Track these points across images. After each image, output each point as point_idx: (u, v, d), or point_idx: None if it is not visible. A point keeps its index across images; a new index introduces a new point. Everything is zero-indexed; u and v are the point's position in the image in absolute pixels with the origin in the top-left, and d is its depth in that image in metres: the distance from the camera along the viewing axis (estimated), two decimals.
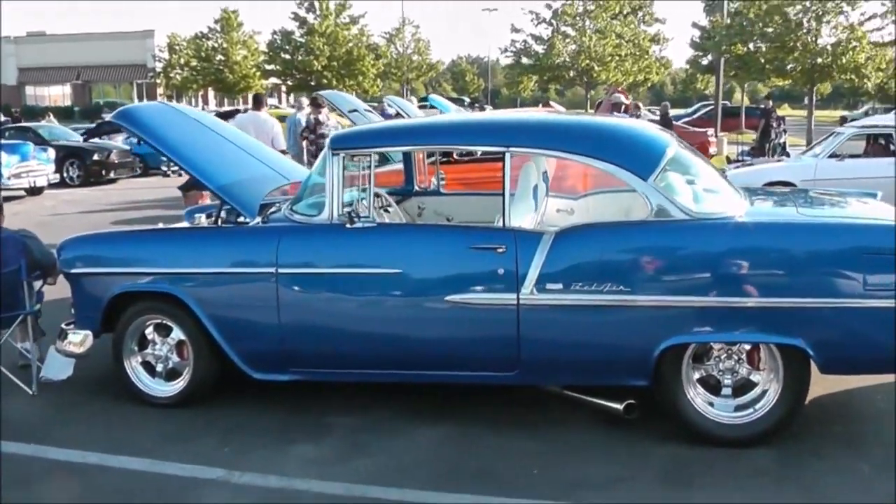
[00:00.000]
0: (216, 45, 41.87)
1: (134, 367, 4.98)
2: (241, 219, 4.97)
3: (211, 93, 47.34)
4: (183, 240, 5.00)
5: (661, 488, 3.90)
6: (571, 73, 40.50)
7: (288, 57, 42.31)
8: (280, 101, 52.26)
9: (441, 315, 4.41)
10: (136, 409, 4.90)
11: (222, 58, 41.48)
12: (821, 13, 23.26)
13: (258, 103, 10.20)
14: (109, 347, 5.02)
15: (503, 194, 4.46)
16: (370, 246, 4.53)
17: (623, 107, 13.26)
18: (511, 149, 4.48)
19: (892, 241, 4.03)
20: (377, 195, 4.99)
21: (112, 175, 18.41)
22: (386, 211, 5.27)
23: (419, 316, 4.48)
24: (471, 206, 6.31)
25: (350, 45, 43.24)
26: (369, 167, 4.76)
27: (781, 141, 19.45)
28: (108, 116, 5.36)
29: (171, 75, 41.97)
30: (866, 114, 47.31)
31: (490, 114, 5.73)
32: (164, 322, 4.89)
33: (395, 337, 4.53)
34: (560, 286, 4.23)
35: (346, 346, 4.59)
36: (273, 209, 5.13)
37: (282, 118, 12.30)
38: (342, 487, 3.93)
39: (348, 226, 4.51)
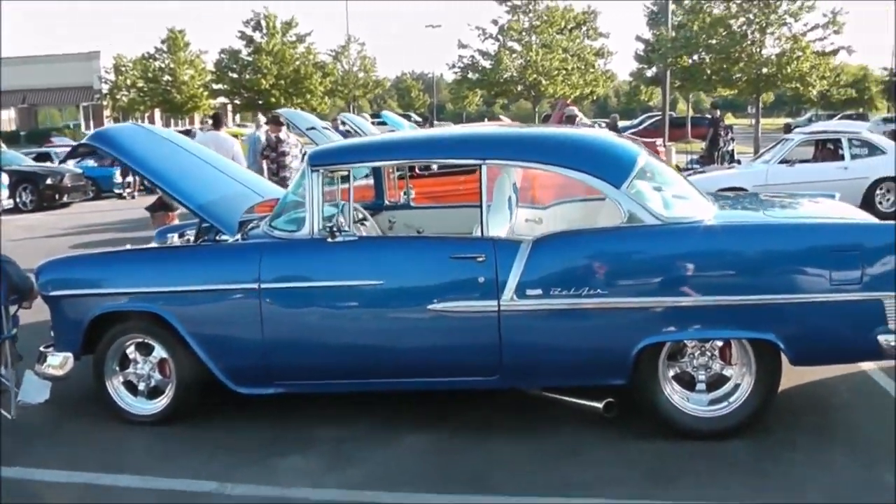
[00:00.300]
0: (163, 65, 41.42)
1: (116, 386, 4.97)
2: (220, 236, 5.01)
3: (157, 114, 46.77)
4: (164, 259, 5.03)
5: (647, 485, 4.04)
6: (519, 88, 41.02)
7: (235, 76, 42.08)
8: (227, 122, 51.81)
9: (424, 323, 4.50)
10: (119, 428, 4.89)
11: (169, 78, 41.05)
12: (764, 25, 23.98)
13: (218, 122, 10.20)
14: (86, 368, 5.01)
15: (480, 205, 4.58)
16: (352, 259, 4.60)
17: (576, 119, 13.50)
18: (487, 161, 4.61)
19: (856, 239, 4.26)
20: (354, 209, 5.08)
21: (65, 199, 18.10)
22: (363, 224, 5.36)
23: (402, 325, 4.57)
24: (440, 218, 6.44)
25: (297, 63, 43.17)
26: (348, 182, 4.85)
27: (730, 149, 20.01)
28: (84, 139, 5.35)
29: (118, 97, 41.36)
30: (809, 121, 48.75)
31: (463, 128, 5.88)
32: (146, 341, 4.91)
33: (378, 347, 4.60)
34: (539, 292, 4.36)
35: (331, 358, 4.66)
36: (251, 226, 5.18)
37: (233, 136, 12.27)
38: (337, 494, 4.01)
39: (330, 240, 4.59)
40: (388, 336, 4.59)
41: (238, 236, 4.89)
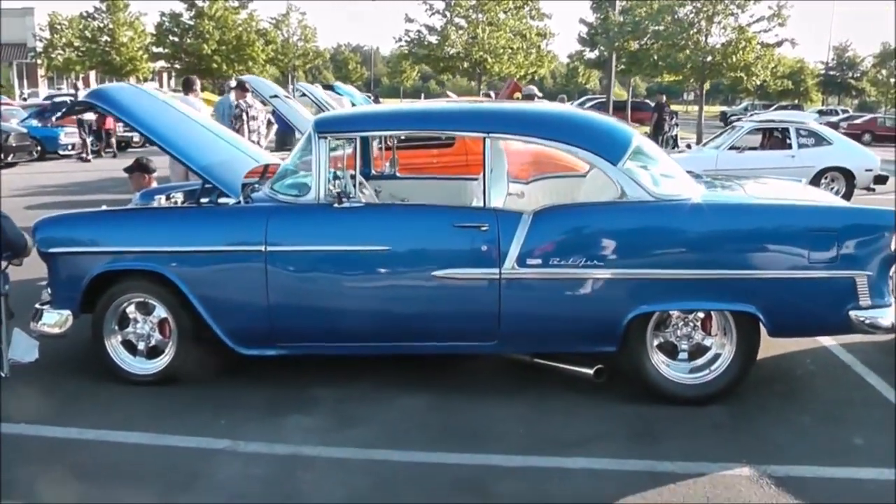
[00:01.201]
0: (101, 25, 40.14)
1: (114, 346, 5.02)
2: (221, 199, 5.08)
3: (93, 75, 45.39)
4: (168, 219, 5.06)
5: (633, 443, 4.31)
6: (465, 64, 41.12)
7: (176, 40, 41.13)
8: (161, 86, 50.68)
9: (427, 289, 4.68)
10: (119, 387, 4.95)
11: (108, 39, 39.83)
12: (711, 14, 24.62)
13: (189, 87, 10.09)
14: (79, 327, 5.05)
15: (483, 177, 4.76)
16: (359, 225, 4.74)
17: (535, 98, 13.74)
18: (491, 135, 4.79)
19: (833, 221, 4.60)
20: (353, 177, 5.20)
21: (11, 158, 17.58)
22: (361, 192, 5.49)
23: (406, 290, 4.74)
24: (424, 189, 6.59)
25: (240, 29, 42.42)
26: (354, 150, 4.97)
27: (674, 134, 20.60)
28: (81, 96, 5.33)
29: (53, 55, 39.98)
30: (746, 110, 50.21)
31: (466, 102, 6.02)
32: (147, 300, 4.97)
33: (382, 311, 4.76)
34: (539, 261, 4.58)
35: (334, 321, 4.80)
36: (250, 189, 5.26)
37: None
38: (349, 452, 4.16)
39: (336, 205, 4.72)
40: (392, 300, 4.75)
41: (240, 199, 4.97)
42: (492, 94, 21.93)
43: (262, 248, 4.69)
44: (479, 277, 4.62)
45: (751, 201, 5.06)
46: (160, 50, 41.81)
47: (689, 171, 5.35)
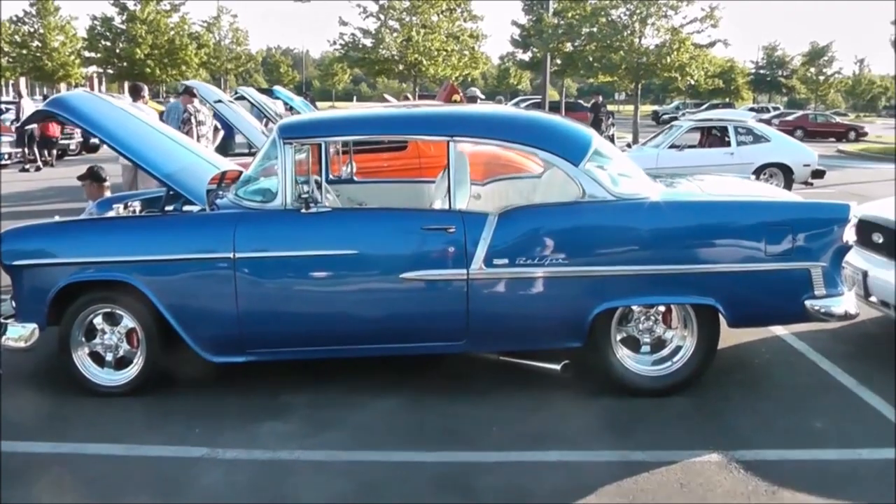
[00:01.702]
0: (32, 30, 39.04)
1: (81, 357, 4.95)
2: (187, 207, 5.06)
3: (23, 81, 44.12)
4: (135, 228, 5.00)
5: (603, 435, 4.45)
6: (400, 67, 41.18)
7: (109, 45, 40.27)
8: (93, 91, 49.50)
9: (396, 292, 4.74)
10: (87, 400, 4.87)
11: (39, 44, 38.77)
12: (645, 16, 25.18)
13: (137, 93, 9.94)
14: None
15: (448, 179, 4.84)
16: (327, 229, 4.78)
17: (477, 100, 13.88)
18: (455, 138, 4.88)
19: (787, 215, 4.82)
20: (317, 182, 5.23)
21: None
22: (325, 197, 5.52)
23: (376, 293, 4.79)
24: (381, 192, 6.65)
25: (172, 33, 41.78)
26: (319, 155, 4.99)
27: (610, 133, 20.99)
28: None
29: None
30: (677, 108, 51.39)
31: (427, 107, 6.10)
32: (114, 311, 4.92)
33: (352, 315, 4.80)
34: (506, 261, 4.68)
35: (305, 326, 4.82)
36: (213, 197, 5.24)
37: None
38: (327, 455, 4.20)
39: (304, 211, 4.75)
40: (362, 304, 4.79)
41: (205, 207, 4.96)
42: (409, 96, 21.94)
43: (231, 255, 4.69)
44: (448, 278, 4.70)
45: (707, 198, 5.25)
46: (92, 55, 40.92)
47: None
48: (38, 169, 18.17)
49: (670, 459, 4.12)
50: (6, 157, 18.78)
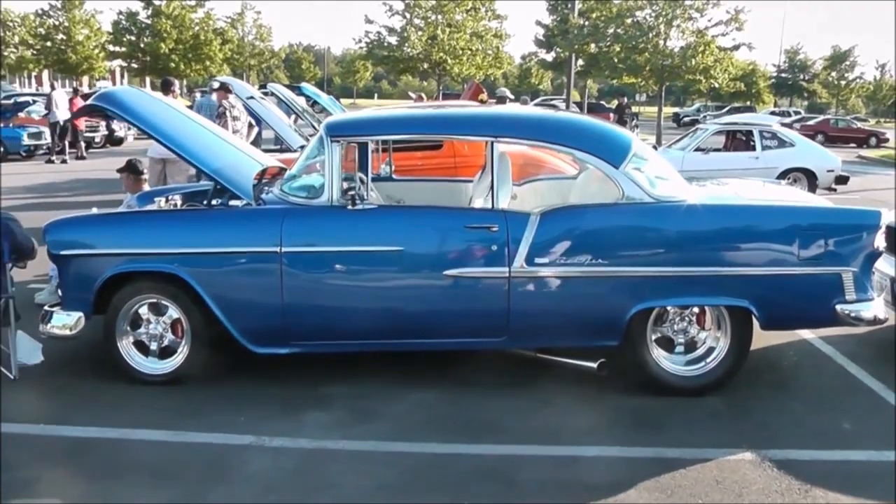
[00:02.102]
0: (57, 23, 39.45)
1: (126, 346, 5.09)
2: (234, 201, 5.19)
3: (46, 74, 44.58)
4: (184, 221, 5.14)
5: (637, 432, 4.54)
6: (425, 65, 41.35)
7: (133, 39, 40.64)
8: (115, 84, 49.97)
9: (439, 288, 4.85)
10: (131, 387, 5.01)
11: (63, 37, 39.18)
12: (671, 18, 25.18)
13: (168, 87, 10.09)
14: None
15: (492, 179, 4.95)
16: (373, 226, 4.89)
17: (507, 100, 13.97)
18: (500, 139, 4.98)
19: (820, 220, 4.90)
20: (361, 180, 5.35)
21: None
22: (370, 195, 5.64)
23: (419, 289, 4.90)
24: (419, 191, 6.76)
25: (196, 28, 42.10)
26: (364, 153, 5.11)
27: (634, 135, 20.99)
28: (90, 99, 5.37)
29: (6, 53, 39.17)
30: (698, 111, 51.25)
31: (468, 108, 6.21)
32: (160, 301, 5.05)
33: (394, 309, 4.92)
34: (546, 260, 4.79)
35: (348, 320, 4.94)
36: (259, 191, 5.36)
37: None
38: (370, 445, 4.31)
39: (350, 207, 4.87)
40: (405, 299, 4.91)
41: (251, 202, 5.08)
42: (423, 95, 22.00)
43: (278, 249, 4.81)
44: (489, 276, 4.81)
45: (742, 202, 5.32)
46: (117, 49, 41.30)
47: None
48: (64, 161, 18.43)
49: (705, 457, 4.21)
50: (31, 148, 19.02)
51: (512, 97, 14.75)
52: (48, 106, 18.93)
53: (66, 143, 18.87)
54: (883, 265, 5.73)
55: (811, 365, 5.66)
